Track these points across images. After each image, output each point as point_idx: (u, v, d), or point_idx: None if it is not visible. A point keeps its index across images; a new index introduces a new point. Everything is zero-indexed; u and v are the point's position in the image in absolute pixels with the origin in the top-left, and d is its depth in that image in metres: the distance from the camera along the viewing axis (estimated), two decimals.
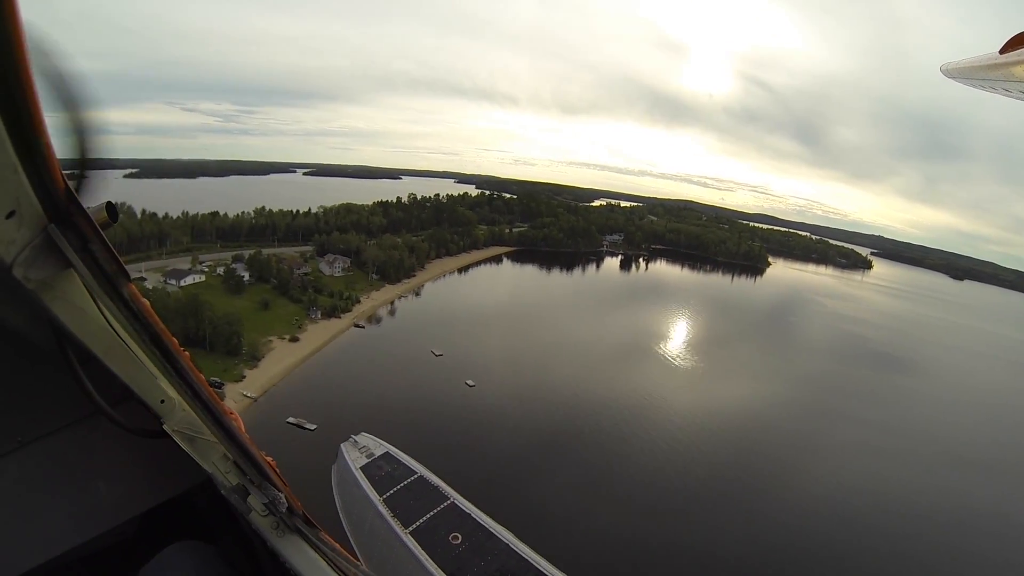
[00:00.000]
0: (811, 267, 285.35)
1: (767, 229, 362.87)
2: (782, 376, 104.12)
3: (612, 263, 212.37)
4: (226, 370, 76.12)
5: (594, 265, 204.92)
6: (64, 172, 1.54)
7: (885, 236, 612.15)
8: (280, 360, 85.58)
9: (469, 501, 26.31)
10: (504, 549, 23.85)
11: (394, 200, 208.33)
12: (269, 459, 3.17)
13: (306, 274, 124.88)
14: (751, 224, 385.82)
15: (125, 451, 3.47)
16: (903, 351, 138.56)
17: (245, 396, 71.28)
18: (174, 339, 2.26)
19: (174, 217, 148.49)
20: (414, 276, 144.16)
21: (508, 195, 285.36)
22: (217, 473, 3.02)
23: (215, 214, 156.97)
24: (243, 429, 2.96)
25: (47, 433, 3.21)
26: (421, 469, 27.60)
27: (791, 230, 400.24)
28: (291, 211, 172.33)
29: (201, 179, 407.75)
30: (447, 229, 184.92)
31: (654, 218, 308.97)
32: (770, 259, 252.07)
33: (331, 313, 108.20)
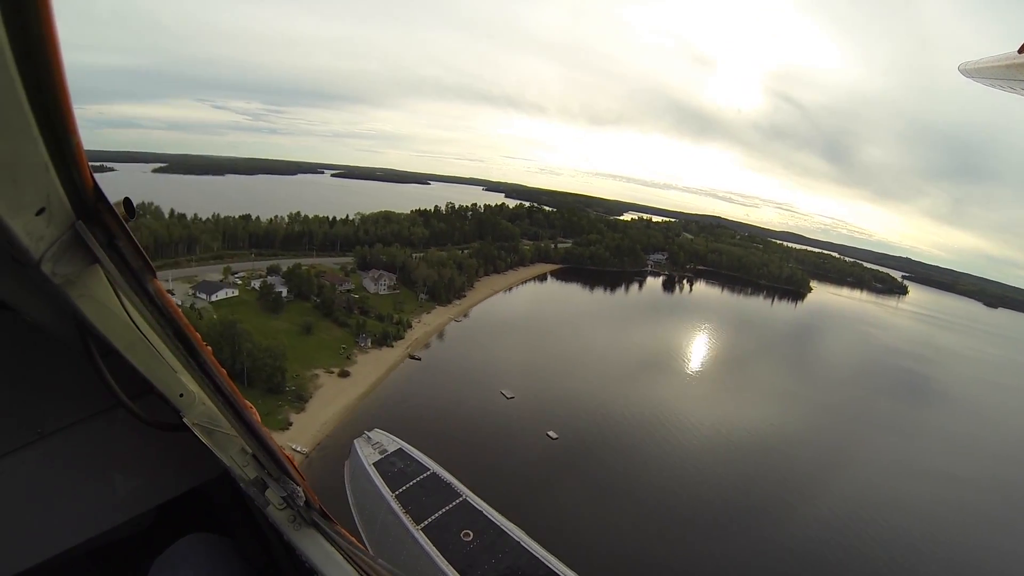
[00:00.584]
0: (846, 291, 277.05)
1: (800, 250, 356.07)
2: (832, 410, 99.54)
3: (657, 284, 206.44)
4: (269, 413, 67.27)
5: (638, 285, 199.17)
6: (92, 169, 1.55)
7: (913, 259, 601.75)
8: (330, 400, 75.32)
9: (481, 499, 26.40)
10: (515, 547, 23.69)
11: (431, 209, 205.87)
12: (287, 453, 3.17)
13: (350, 291, 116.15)
14: (783, 243, 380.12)
15: (144, 444, 3.53)
16: (955, 388, 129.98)
17: (295, 451, 62.12)
18: (197, 334, 2.29)
19: (203, 219, 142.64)
20: (464, 296, 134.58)
21: (548, 208, 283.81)
22: (235, 466, 3.05)
23: (247, 218, 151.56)
24: (260, 422, 2.97)
25: (67, 425, 3.28)
26: (434, 466, 27.68)
27: (823, 251, 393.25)
28: (327, 217, 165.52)
29: (229, 176, 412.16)
30: (491, 243, 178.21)
31: (689, 235, 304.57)
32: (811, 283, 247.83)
33: (382, 341, 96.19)
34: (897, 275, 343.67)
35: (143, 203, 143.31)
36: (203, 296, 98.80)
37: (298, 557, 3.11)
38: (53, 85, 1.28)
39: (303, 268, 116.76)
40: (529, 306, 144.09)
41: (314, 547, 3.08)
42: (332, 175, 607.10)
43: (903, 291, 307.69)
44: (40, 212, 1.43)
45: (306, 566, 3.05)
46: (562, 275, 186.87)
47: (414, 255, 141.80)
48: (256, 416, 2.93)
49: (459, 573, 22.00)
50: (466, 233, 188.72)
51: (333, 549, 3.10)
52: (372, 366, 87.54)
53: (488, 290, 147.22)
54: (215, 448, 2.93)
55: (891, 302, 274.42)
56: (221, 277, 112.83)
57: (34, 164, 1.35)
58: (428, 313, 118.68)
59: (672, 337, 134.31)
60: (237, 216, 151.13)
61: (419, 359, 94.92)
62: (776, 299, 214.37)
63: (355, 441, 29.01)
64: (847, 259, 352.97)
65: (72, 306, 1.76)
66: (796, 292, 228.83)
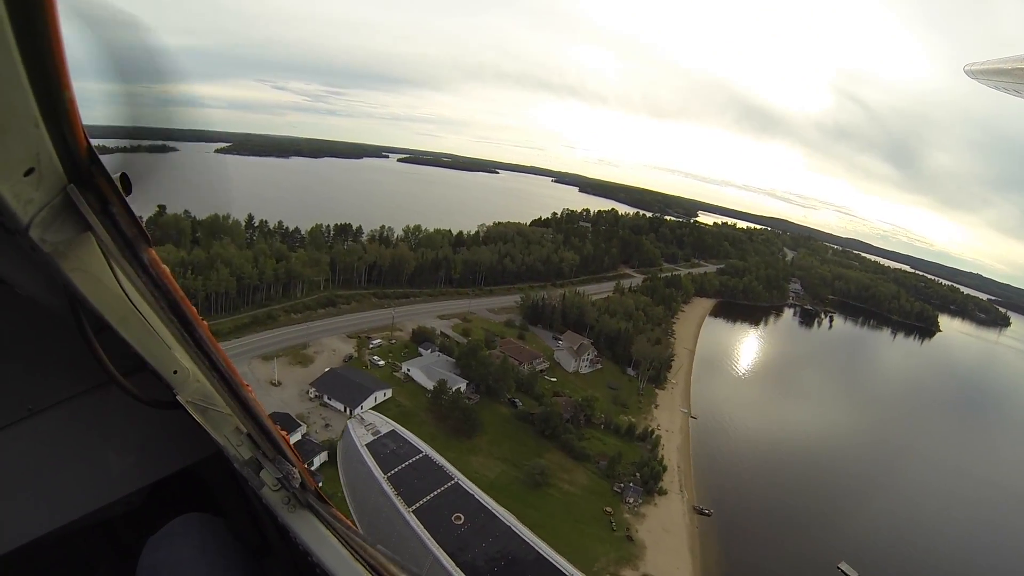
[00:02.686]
0: (968, 326, 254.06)
1: (898, 270, 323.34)
2: None
3: (813, 321, 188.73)
4: None
5: (799, 321, 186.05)
6: (86, 132, 1.48)
7: (984, 275, 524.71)
8: None
9: (472, 482, 25.89)
10: (506, 531, 22.61)
11: (551, 217, 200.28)
12: (283, 433, 3.14)
13: (542, 372, 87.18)
14: (882, 261, 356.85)
15: (137, 421, 3.53)
16: None
17: None
18: (193, 308, 2.24)
19: (290, 228, 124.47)
20: (670, 365, 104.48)
21: (671, 218, 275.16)
22: (229, 446, 2.98)
23: (348, 232, 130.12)
24: (257, 402, 2.94)
25: (59, 401, 3.28)
26: (426, 448, 27.41)
27: (919, 271, 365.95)
28: (448, 232, 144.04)
29: (294, 159, 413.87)
30: (656, 280, 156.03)
31: (788, 251, 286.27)
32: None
33: (644, 481, 66.34)
34: (980, 296, 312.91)
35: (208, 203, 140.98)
36: (338, 405, 63.65)
37: (292, 539, 3.08)
38: (45, 31, 1.17)
39: (473, 339, 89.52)
40: (752, 372, 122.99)
41: (308, 529, 3.06)
42: (398, 160, 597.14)
43: (1005, 323, 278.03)
44: (29, 173, 1.33)
45: (300, 548, 3.02)
46: (724, 313, 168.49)
47: (587, 297, 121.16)
48: (253, 395, 2.91)
49: (450, 556, 21.51)
50: (613, 257, 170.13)
51: (328, 532, 3.07)
52: (670, 548, 58.19)
53: (683, 348, 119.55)
54: (209, 427, 2.86)
55: (992, 334, 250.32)
56: (351, 352, 78.24)
57: (23, 118, 1.25)
58: (655, 406, 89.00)
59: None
60: (333, 226, 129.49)
61: (708, 513, 66.53)
62: (913, 337, 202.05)
63: (348, 422, 29.84)
64: (943, 282, 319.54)
65: (63, 277, 1.65)
66: (926, 330, 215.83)
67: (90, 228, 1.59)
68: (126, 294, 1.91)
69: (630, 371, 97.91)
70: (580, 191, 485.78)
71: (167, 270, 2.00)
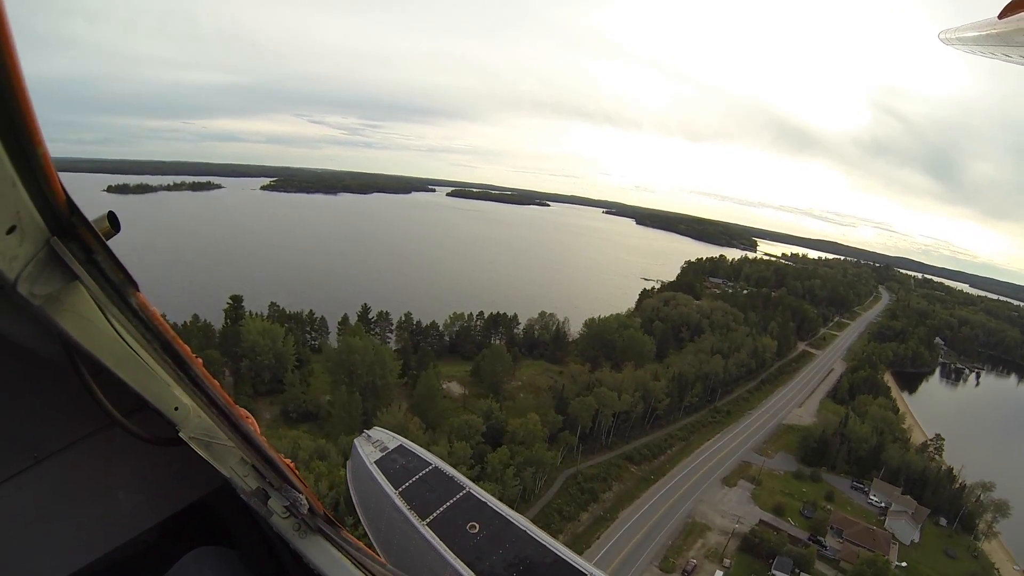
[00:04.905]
0: None
1: (981, 298, 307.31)
2: None
3: (977, 385, 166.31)
4: None
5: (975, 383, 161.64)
6: (63, 184, 1.47)
7: None
8: None
9: (484, 490, 25.18)
10: (522, 536, 21.88)
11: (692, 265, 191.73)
12: (287, 461, 3.22)
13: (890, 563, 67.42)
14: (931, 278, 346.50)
15: (142, 460, 3.55)
16: None
17: None
18: (186, 346, 2.29)
19: (423, 322, 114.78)
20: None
21: (740, 250, 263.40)
22: (236, 477, 3.04)
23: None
24: (259, 432, 3.02)
25: (63, 447, 3.29)
26: (435, 460, 27.00)
27: (1003, 297, 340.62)
28: (619, 317, 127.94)
29: (343, 195, 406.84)
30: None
31: (883, 289, 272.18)
32: None
33: None
34: None
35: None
36: None
37: (306, 564, 3.11)
38: (12, 91, 1.18)
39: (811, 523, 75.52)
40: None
41: (320, 554, 3.11)
42: (447, 194, 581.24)
43: None
44: (11, 231, 1.34)
45: (314, 573, 3.06)
46: (906, 387, 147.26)
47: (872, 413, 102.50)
48: (254, 426, 2.99)
49: (468, 565, 21.00)
50: (788, 333, 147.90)
51: (340, 555, 3.13)
52: None
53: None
54: (214, 460, 2.92)
55: None
56: None
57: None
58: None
59: None
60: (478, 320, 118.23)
61: None
62: None
63: (355, 440, 29.59)
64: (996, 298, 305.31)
65: (56, 326, 1.67)
66: None
67: (77, 277, 1.59)
68: (120, 336, 1.91)
69: (942, 521, 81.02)
70: (637, 223, 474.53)
71: (157, 312, 2.02)
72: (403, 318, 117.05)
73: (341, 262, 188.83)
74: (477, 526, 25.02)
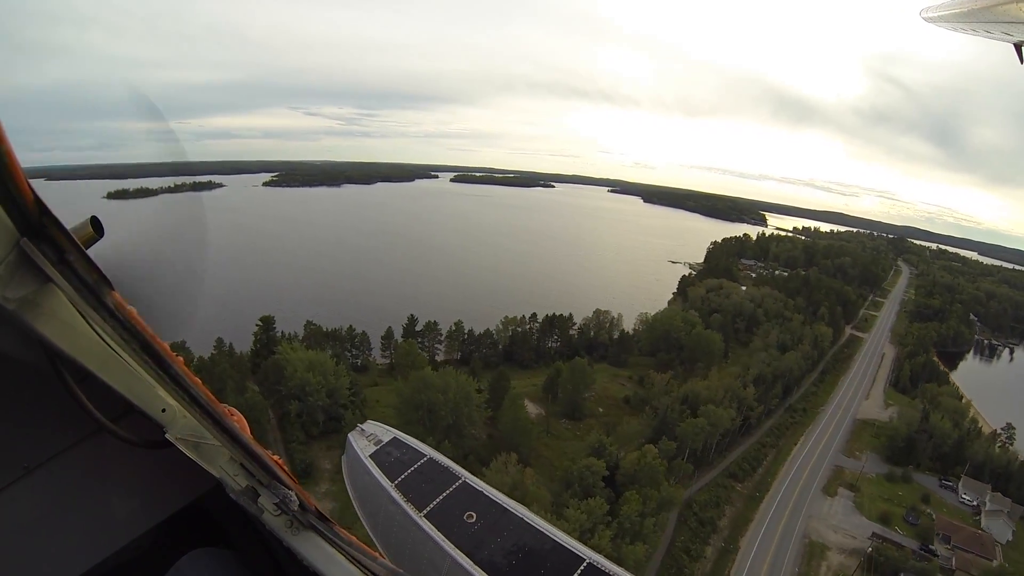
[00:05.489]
0: None
1: (997, 267, 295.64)
2: None
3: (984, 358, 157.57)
4: None
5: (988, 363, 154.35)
6: (30, 182, 1.46)
7: None
8: None
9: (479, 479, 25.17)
10: (519, 523, 21.87)
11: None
12: (276, 458, 3.18)
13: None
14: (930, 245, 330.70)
15: (133, 465, 3.51)
16: None
17: None
18: (165, 345, 2.25)
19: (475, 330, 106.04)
20: None
21: (752, 226, 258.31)
22: (226, 476, 3.02)
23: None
24: (247, 430, 3.00)
25: (52, 456, 3.24)
26: (430, 451, 27.01)
27: (1016, 265, 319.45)
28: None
29: (346, 187, 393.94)
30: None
31: (902, 264, 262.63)
32: None
33: None
34: None
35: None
36: None
37: (300, 561, 3.08)
38: None
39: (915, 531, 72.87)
40: None
41: (314, 549, 3.08)
42: (451, 180, 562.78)
43: None
44: None
45: (310, 570, 3.04)
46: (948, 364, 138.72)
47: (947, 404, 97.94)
48: (241, 423, 2.99)
49: (467, 555, 21.09)
50: (836, 318, 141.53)
51: (333, 550, 3.11)
52: None
53: None
54: (203, 461, 2.90)
55: None
56: None
57: None
58: None
59: None
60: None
61: None
62: None
63: (349, 435, 29.76)
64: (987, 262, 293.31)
65: (33, 331, 1.65)
66: None
67: (50, 279, 1.55)
68: (102, 339, 1.89)
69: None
70: (645, 201, 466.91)
71: (134, 311, 1.96)
72: (453, 327, 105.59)
73: (365, 260, 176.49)
74: (475, 515, 24.93)
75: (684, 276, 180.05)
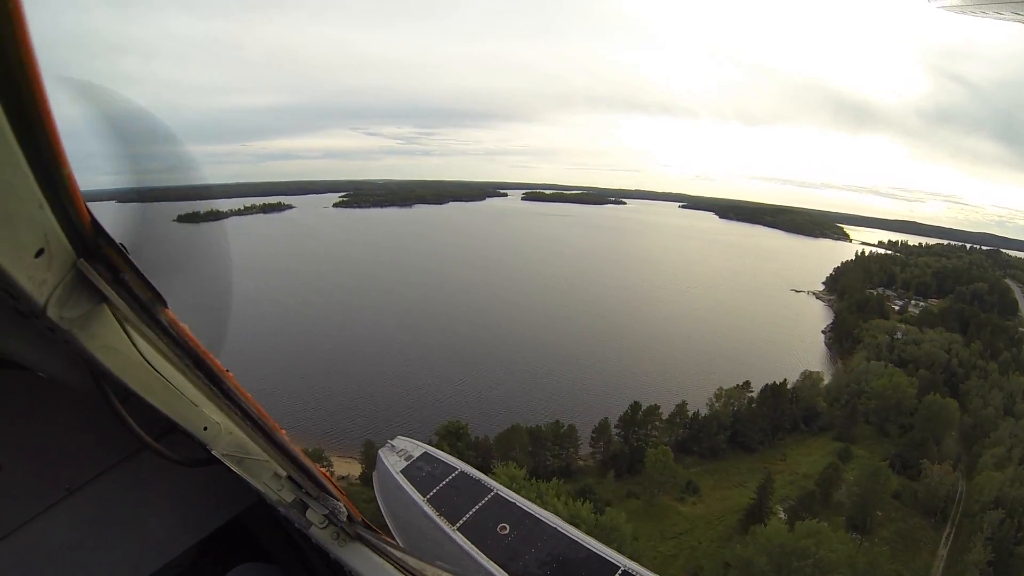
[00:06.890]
0: None
1: None
2: None
3: None
4: None
5: None
6: (87, 204, 1.46)
7: None
8: None
9: (512, 491, 24.12)
10: (553, 534, 21.25)
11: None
12: (323, 470, 3.20)
13: None
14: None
15: (175, 482, 3.53)
16: None
17: None
18: (217, 361, 2.28)
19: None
20: None
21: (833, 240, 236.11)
22: (270, 491, 2.98)
23: None
24: (294, 443, 3.02)
25: (96, 475, 3.28)
26: (461, 465, 26.62)
27: None
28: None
29: (418, 207, 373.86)
30: None
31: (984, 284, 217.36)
32: None
33: None
34: None
35: None
36: None
37: (347, 573, 3.09)
38: (38, 117, 1.18)
39: None
40: None
41: (362, 560, 3.06)
42: (521, 198, 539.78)
43: None
44: (39, 254, 1.32)
45: None
46: None
47: None
48: (287, 438, 2.99)
49: (501, 567, 20.57)
50: None
51: (382, 560, 3.08)
52: None
53: None
54: (248, 476, 2.86)
55: None
56: None
57: (28, 202, 1.25)
58: None
59: None
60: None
61: None
62: None
63: (380, 451, 29.65)
64: None
65: (84, 351, 1.65)
66: None
67: (105, 299, 1.56)
68: (146, 359, 1.88)
69: None
70: (720, 217, 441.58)
71: (187, 328, 2.01)
72: (675, 409, 78.49)
73: (495, 303, 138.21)
74: (508, 527, 24.26)
75: (832, 313, 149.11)
